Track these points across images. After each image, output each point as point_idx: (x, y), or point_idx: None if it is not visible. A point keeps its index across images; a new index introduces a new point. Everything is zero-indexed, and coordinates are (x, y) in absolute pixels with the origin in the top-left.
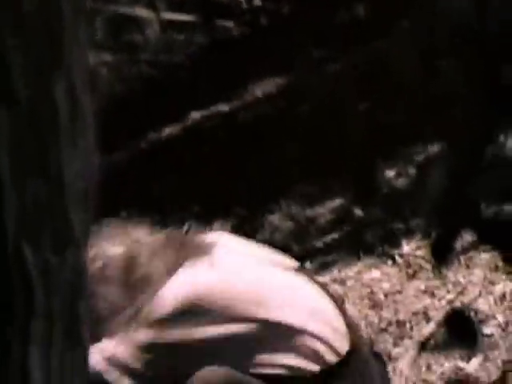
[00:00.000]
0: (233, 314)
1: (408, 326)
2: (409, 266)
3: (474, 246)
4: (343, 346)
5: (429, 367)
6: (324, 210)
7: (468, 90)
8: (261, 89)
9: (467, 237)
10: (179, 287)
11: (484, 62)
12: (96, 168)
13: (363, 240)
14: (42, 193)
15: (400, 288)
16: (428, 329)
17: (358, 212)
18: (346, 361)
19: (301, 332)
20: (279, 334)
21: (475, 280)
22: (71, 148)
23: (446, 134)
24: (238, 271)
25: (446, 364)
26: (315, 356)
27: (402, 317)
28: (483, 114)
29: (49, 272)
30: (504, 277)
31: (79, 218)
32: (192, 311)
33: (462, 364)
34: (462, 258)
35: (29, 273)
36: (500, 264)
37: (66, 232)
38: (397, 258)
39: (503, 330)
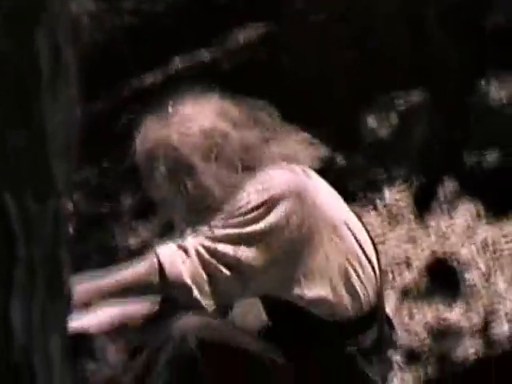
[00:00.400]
0: (306, 222)
1: (390, 274)
2: (391, 214)
3: (456, 195)
4: (373, 297)
5: (411, 316)
6: None
7: (452, 39)
8: (243, 37)
9: (450, 185)
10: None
11: (468, 12)
12: (78, 118)
13: (345, 188)
14: (23, 143)
15: (382, 236)
16: (410, 278)
17: (341, 161)
18: (372, 313)
19: (354, 268)
20: (339, 260)
21: (458, 229)
22: (53, 98)
23: (429, 83)
24: (325, 189)
25: (428, 313)
26: (355, 298)
27: (384, 266)
28: (467, 62)
29: (31, 221)
30: (486, 225)
31: (61, 167)
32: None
33: (444, 313)
34: (444, 207)
35: (11, 222)
36: (482, 213)
37: (48, 182)
38: (379, 206)
39: (485, 278)
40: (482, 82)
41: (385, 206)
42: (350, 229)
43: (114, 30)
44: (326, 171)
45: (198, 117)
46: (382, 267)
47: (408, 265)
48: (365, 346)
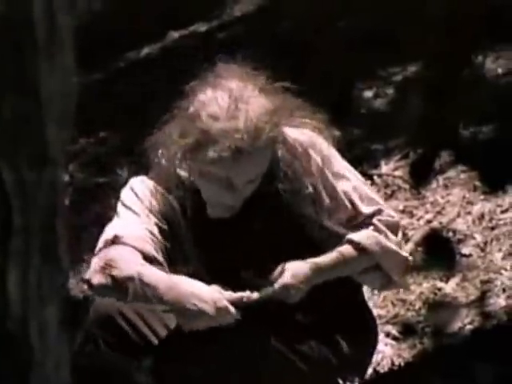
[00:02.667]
0: None
1: None
2: (387, 186)
3: (452, 166)
4: None
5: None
6: None
7: (448, 11)
8: (239, 8)
9: (445, 157)
10: None
11: None
12: (75, 86)
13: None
14: (18, 110)
15: None
16: (406, 249)
17: (336, 132)
18: None
19: None
20: None
21: (453, 200)
22: (49, 66)
23: (425, 55)
24: None
25: (424, 284)
26: None
27: None
28: (463, 35)
29: (26, 190)
30: (482, 197)
31: (57, 137)
32: None
33: (440, 284)
34: (440, 178)
35: (6, 191)
36: (478, 184)
37: (44, 151)
38: (375, 178)
39: (481, 249)
40: (479, 55)
41: (380, 176)
42: None
43: (111, 1)
44: None
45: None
46: None
47: (404, 235)
48: None
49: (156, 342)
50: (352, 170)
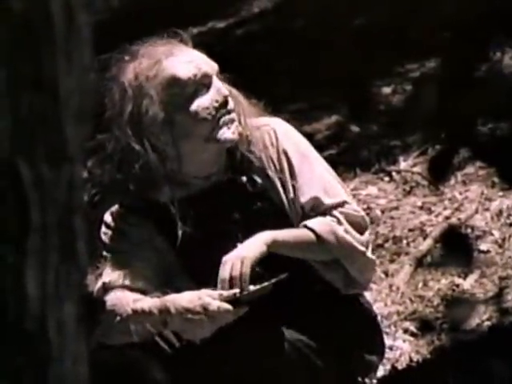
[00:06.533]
0: None
1: (404, 242)
2: (405, 182)
3: (470, 163)
4: None
5: (425, 283)
6: (321, 126)
7: (464, 6)
8: (257, 5)
9: (464, 153)
10: None
11: None
12: (93, 83)
13: (360, 156)
14: (36, 107)
15: (396, 204)
16: (424, 245)
17: (355, 128)
18: None
19: None
20: None
21: (472, 196)
22: (67, 63)
23: (442, 51)
24: None
25: (442, 280)
26: None
27: (398, 233)
28: (480, 29)
29: (44, 187)
30: (501, 193)
31: (75, 133)
32: None
33: (458, 280)
34: (458, 175)
35: (24, 188)
36: (496, 180)
37: (61, 147)
38: (393, 174)
39: (500, 246)
40: (497, 50)
41: (399, 172)
42: None
43: None
44: (339, 139)
45: None
46: (397, 234)
47: (422, 232)
48: None
49: (177, 344)
50: (319, 158)
